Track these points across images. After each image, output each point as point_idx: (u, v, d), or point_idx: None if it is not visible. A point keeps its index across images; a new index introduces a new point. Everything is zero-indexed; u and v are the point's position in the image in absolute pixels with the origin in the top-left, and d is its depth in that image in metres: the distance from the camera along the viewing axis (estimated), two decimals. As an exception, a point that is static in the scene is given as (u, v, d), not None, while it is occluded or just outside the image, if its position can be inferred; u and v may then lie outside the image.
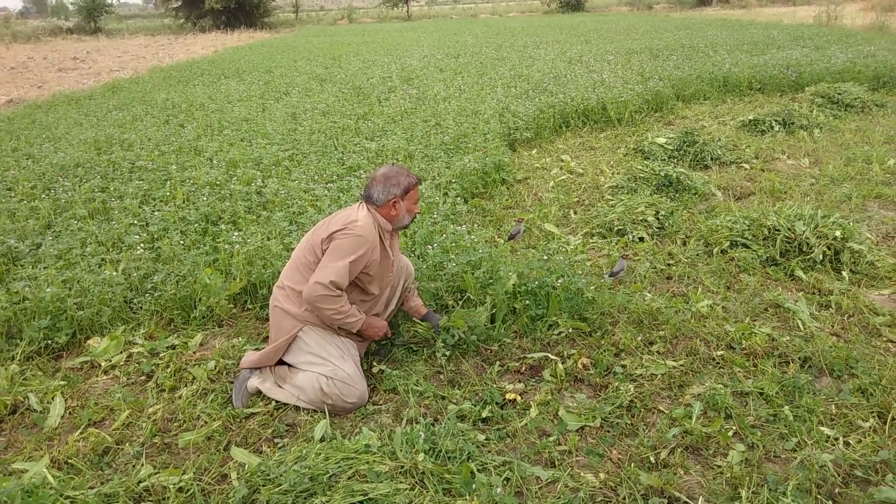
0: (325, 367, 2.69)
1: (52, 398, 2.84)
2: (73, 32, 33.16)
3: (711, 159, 6.02)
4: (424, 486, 2.16)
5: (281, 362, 2.87)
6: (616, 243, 4.31)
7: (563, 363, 2.96)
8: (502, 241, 4.32)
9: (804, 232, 3.88)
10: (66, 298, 3.38)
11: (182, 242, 4.11)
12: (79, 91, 11.65)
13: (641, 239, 4.35)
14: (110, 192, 5.12)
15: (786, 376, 2.77)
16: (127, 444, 2.55)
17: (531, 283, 3.33)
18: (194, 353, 3.20)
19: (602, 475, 2.29)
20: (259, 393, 2.81)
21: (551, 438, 2.49)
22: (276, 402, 2.77)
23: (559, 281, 3.30)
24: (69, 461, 2.44)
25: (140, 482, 2.29)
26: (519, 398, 2.74)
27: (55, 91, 11.87)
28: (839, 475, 2.23)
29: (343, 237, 2.69)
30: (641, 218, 4.51)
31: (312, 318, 2.77)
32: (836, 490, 2.17)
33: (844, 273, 3.69)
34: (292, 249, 3.76)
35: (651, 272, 3.88)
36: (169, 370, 3.05)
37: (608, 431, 2.54)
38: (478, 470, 2.25)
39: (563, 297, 3.27)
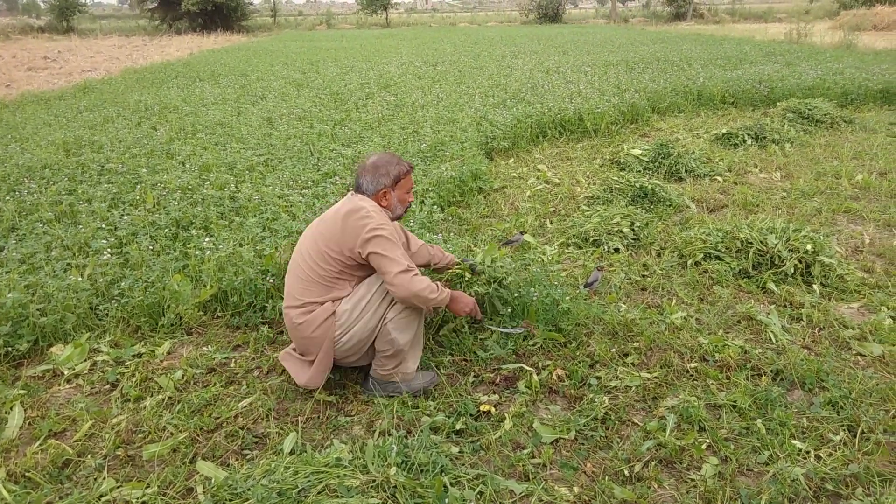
0: (379, 310, 2.70)
1: (11, 408, 2.74)
2: (44, 31, 32.56)
3: (686, 171, 6.08)
4: (396, 500, 2.12)
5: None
6: (591, 254, 4.32)
7: (538, 374, 2.94)
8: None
9: (776, 245, 3.92)
10: (29, 304, 3.27)
11: (151, 248, 4.01)
12: (49, 91, 11.41)
13: (617, 250, 4.36)
14: (78, 195, 4.99)
15: (758, 389, 2.78)
16: (89, 457, 2.46)
17: (509, 294, 3.31)
18: (161, 361, 3.12)
19: (576, 489, 2.27)
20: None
21: (525, 451, 2.46)
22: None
23: (535, 295, 3.28)
24: (27, 474, 2.35)
25: (101, 496, 2.21)
26: (493, 410, 2.71)
27: (24, 90, 11.60)
28: (811, 489, 2.24)
29: (374, 233, 2.61)
30: (617, 229, 4.52)
31: (342, 317, 2.67)
32: (808, 504, 2.18)
33: (815, 286, 3.74)
34: (265, 256, 3.70)
35: (626, 283, 3.89)
36: (135, 379, 2.96)
37: (582, 444, 2.52)
38: (451, 483, 2.21)
39: (540, 308, 3.26)
